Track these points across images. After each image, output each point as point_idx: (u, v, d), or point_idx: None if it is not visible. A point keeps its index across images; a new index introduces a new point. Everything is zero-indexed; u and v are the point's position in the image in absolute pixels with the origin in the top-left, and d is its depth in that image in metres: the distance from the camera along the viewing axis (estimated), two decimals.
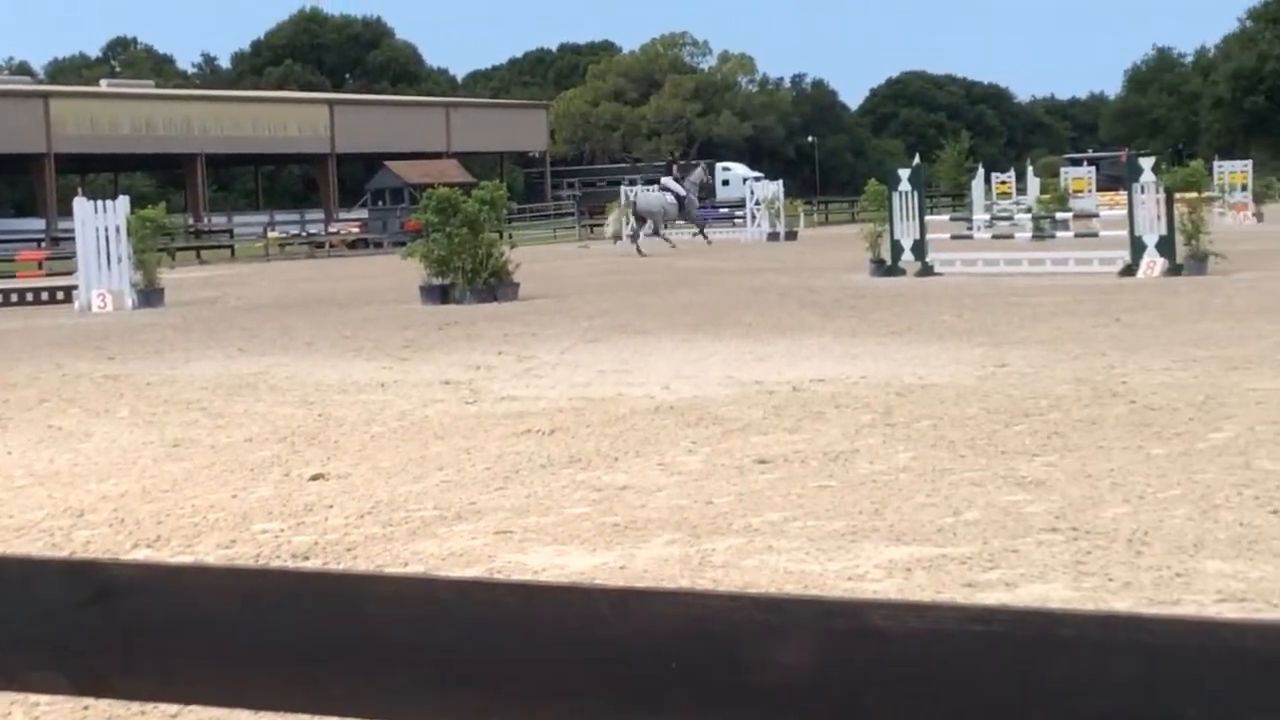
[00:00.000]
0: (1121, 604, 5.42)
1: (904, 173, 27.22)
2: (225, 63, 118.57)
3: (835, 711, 1.37)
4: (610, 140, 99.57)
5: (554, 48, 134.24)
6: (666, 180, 43.46)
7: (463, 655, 1.44)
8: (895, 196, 26.73)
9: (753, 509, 7.27)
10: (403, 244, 31.78)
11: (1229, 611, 5.27)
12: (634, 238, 40.11)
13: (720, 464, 8.54)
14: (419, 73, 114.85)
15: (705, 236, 43.18)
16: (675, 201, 42.08)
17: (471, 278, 23.07)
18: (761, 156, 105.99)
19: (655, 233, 41.71)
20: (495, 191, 24.42)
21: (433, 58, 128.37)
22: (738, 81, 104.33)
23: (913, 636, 1.34)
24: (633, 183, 58.72)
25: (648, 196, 43.34)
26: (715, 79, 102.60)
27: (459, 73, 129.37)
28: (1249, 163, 50.79)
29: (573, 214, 67.60)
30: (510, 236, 37.77)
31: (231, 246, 59.44)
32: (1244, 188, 46.83)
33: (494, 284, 23.22)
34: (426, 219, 23.95)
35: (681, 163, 48.03)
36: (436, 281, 23.31)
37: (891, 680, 1.35)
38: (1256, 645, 1.28)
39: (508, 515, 7.38)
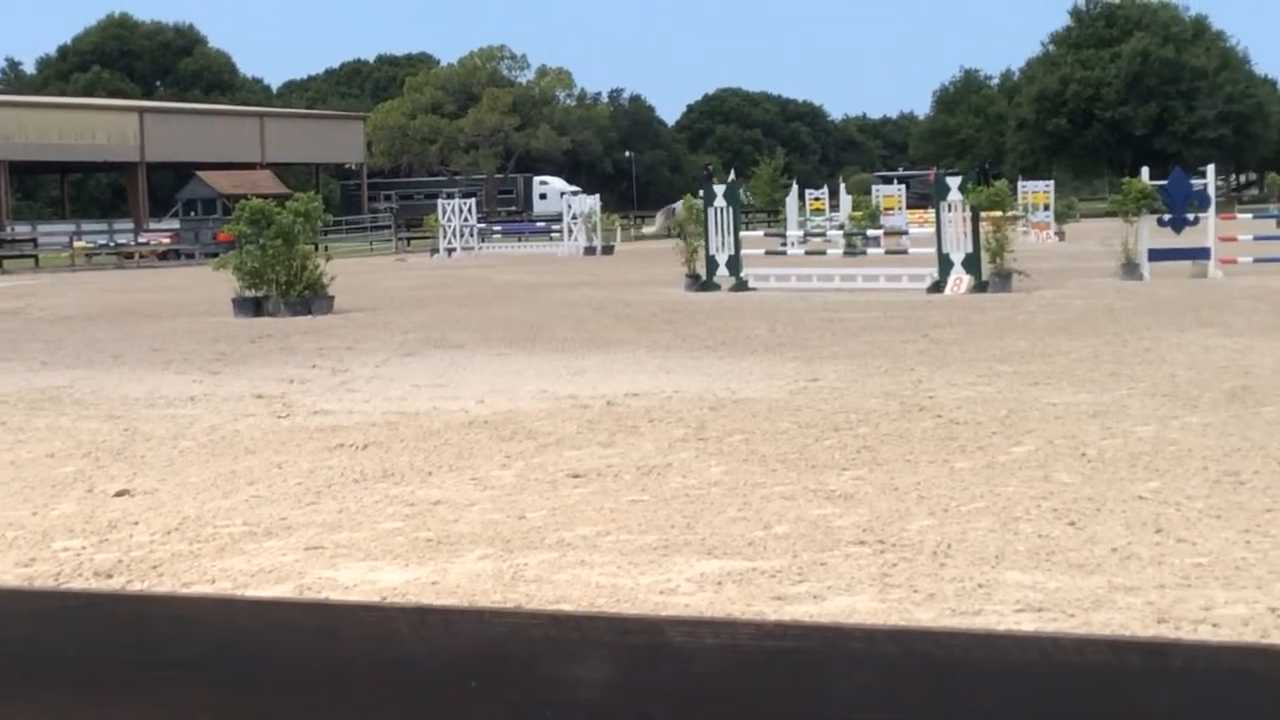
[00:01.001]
0: (925, 615, 5.53)
1: (719, 188, 27.48)
2: (30, 68, 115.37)
3: None
4: (428, 153, 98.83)
5: (371, 59, 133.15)
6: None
7: (258, 675, 1.42)
8: (710, 212, 26.98)
9: (565, 523, 7.28)
10: (215, 255, 31.24)
11: (1027, 622, 5.41)
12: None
13: (534, 478, 8.53)
14: (233, 81, 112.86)
15: None
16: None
17: (285, 290, 22.75)
18: (579, 171, 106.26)
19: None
20: (310, 203, 24.11)
21: (247, 67, 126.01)
22: (556, 96, 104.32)
23: (709, 653, 1.36)
24: (450, 195, 58.47)
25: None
26: (533, 93, 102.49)
27: (274, 82, 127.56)
28: (1051, 183, 52.27)
29: (390, 227, 67.00)
30: (326, 249, 37.33)
31: (35, 256, 57.79)
32: (1046, 207, 48.15)
33: (308, 297, 22.92)
34: (239, 230, 23.56)
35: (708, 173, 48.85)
36: (249, 294, 22.94)
37: (688, 696, 1.36)
38: (1038, 658, 1.32)
39: (319, 531, 7.29)
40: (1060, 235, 46.95)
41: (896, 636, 1.34)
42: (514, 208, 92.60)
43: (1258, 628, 5.24)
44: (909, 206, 52.36)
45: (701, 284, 26.48)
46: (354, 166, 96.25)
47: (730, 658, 1.34)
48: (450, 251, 49.50)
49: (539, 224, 62.54)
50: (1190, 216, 25.60)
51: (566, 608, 5.23)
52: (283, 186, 54.47)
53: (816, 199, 55.76)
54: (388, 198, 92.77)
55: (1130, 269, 25.09)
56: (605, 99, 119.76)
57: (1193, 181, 26.36)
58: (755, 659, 1.34)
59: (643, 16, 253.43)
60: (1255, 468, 8.12)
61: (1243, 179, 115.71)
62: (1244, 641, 1.72)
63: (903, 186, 58.78)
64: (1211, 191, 26.54)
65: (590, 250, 48.11)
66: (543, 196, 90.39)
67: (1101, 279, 25.21)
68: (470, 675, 1.37)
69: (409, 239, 62.19)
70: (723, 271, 26.57)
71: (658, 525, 7.17)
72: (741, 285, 26.08)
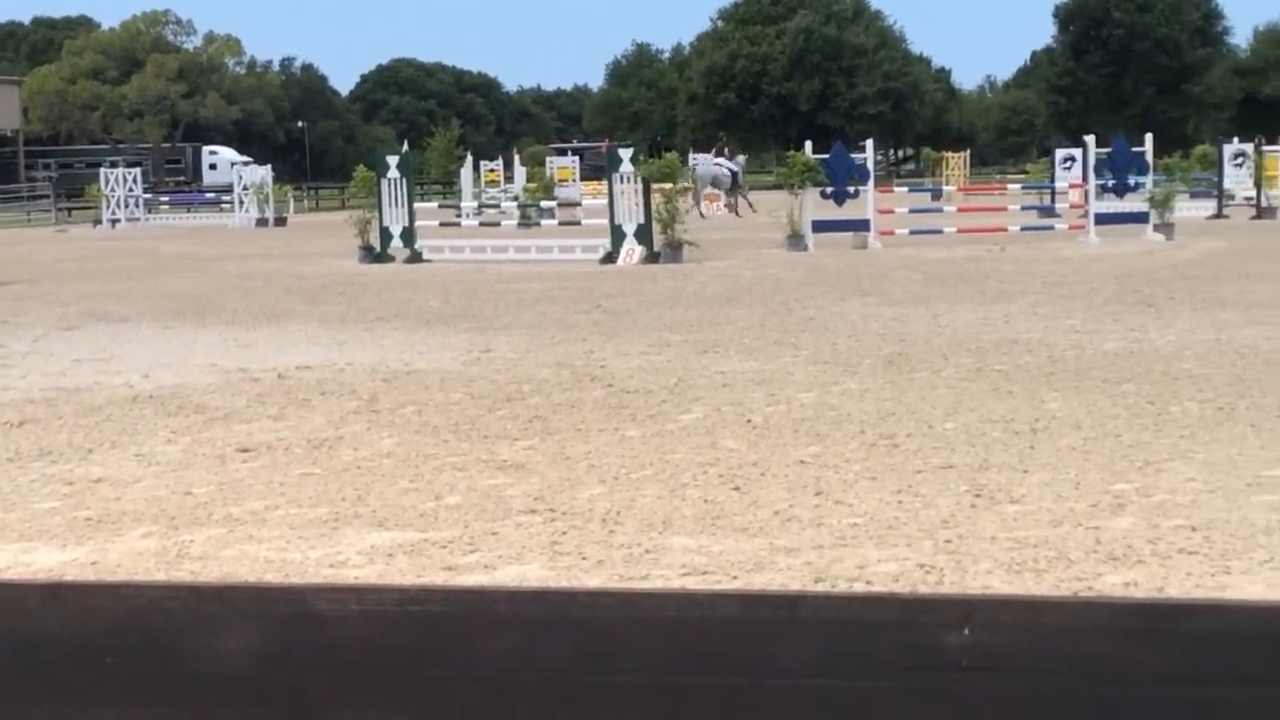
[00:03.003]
0: (594, 581, 5.62)
1: (392, 159, 27.23)
2: None
3: (279, 697, 1.37)
4: (89, 120, 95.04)
5: (27, 21, 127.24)
6: (719, 159, 47.70)
7: None
8: (384, 183, 26.72)
9: (234, 498, 7.14)
10: None
11: (692, 584, 5.54)
12: (730, 207, 43.91)
13: (201, 453, 8.34)
14: None
15: (750, 205, 44.23)
16: (729, 174, 46.07)
17: None
18: (250, 141, 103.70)
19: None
20: None
21: None
22: (225, 63, 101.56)
23: (354, 619, 1.36)
24: (114, 164, 56.39)
25: (707, 167, 46.62)
26: (201, 60, 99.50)
27: None
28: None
29: (49, 197, 64.25)
30: None
31: None
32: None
33: None
34: None
35: (722, 145, 51.09)
36: None
37: (335, 663, 1.36)
38: (675, 614, 1.37)
39: None
40: (730, 207, 47.98)
41: (539, 597, 1.36)
42: (183, 178, 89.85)
43: (907, 583, 5.49)
44: (583, 178, 52.76)
45: (376, 256, 26.21)
46: (9, 134, 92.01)
47: (376, 623, 1.35)
48: (114, 223, 47.92)
49: (209, 195, 60.86)
50: (851, 190, 26.54)
51: (207, 579, 5.15)
52: None
53: (491, 170, 55.70)
54: (46, 166, 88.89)
55: (796, 240, 25.85)
56: (276, 67, 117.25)
57: (853, 156, 27.30)
58: (401, 624, 1.35)
59: None
60: (909, 431, 8.49)
61: (901, 154, 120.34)
62: (868, 591, 1.81)
63: (577, 158, 59.21)
64: (871, 166, 27.52)
65: (262, 222, 47.11)
66: (213, 167, 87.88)
67: (769, 250, 25.90)
68: (107, 650, 1.34)
69: (70, 210, 59.71)
70: (397, 243, 26.35)
71: (328, 498, 7.10)
72: (416, 257, 25.92)
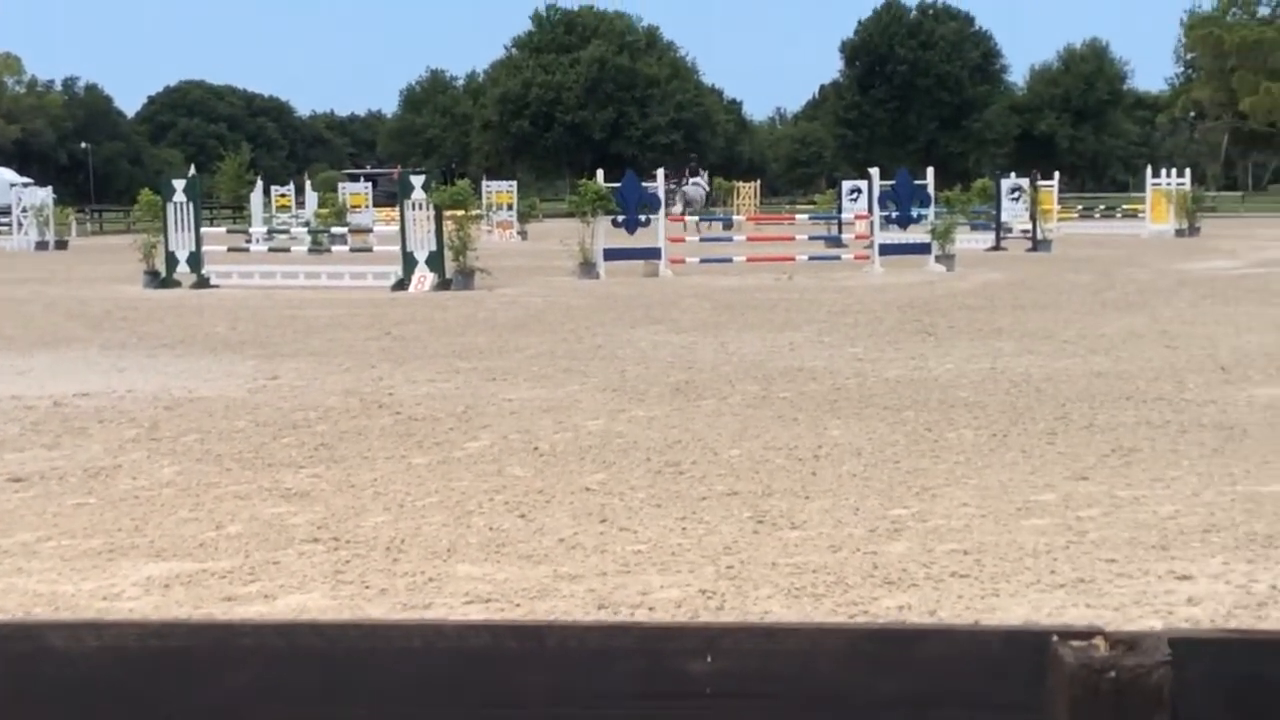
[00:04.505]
0: (377, 610, 5.58)
1: (179, 184, 26.71)
2: None
3: None
4: None
5: None
6: (695, 179, 50.83)
7: None
8: (170, 207, 26.20)
9: (3, 530, 6.93)
10: None
11: (475, 612, 5.53)
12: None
13: None
14: None
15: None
16: (704, 194, 50.85)
17: None
18: (31, 161, 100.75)
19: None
20: None
21: None
22: (4, 82, 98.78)
23: (92, 655, 1.34)
24: None
25: (692, 189, 49.39)
26: None
27: None
28: (514, 183, 53.42)
29: None
30: None
31: None
32: (510, 207, 49.16)
33: None
34: None
35: (695, 166, 53.54)
36: None
37: (71, 700, 1.34)
38: (421, 645, 1.37)
39: None
40: (523, 234, 48.04)
41: (283, 630, 1.36)
42: None
43: (689, 609, 5.55)
44: (376, 204, 52.28)
45: (161, 281, 25.67)
46: None
47: (114, 659, 1.33)
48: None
49: None
50: (642, 218, 26.76)
51: None
52: None
53: (283, 196, 54.91)
54: None
55: (588, 268, 25.97)
56: (59, 87, 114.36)
57: (645, 185, 27.53)
58: (141, 659, 1.33)
59: (99, 3, 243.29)
60: (694, 458, 8.59)
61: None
62: (611, 621, 1.83)
63: (370, 184, 58.63)
64: (661, 194, 27.78)
65: (42, 245, 45.75)
66: None
67: (561, 277, 25.98)
68: None
69: None
70: (183, 268, 25.85)
71: (104, 529, 6.93)
72: (203, 282, 25.45)
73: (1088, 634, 1.36)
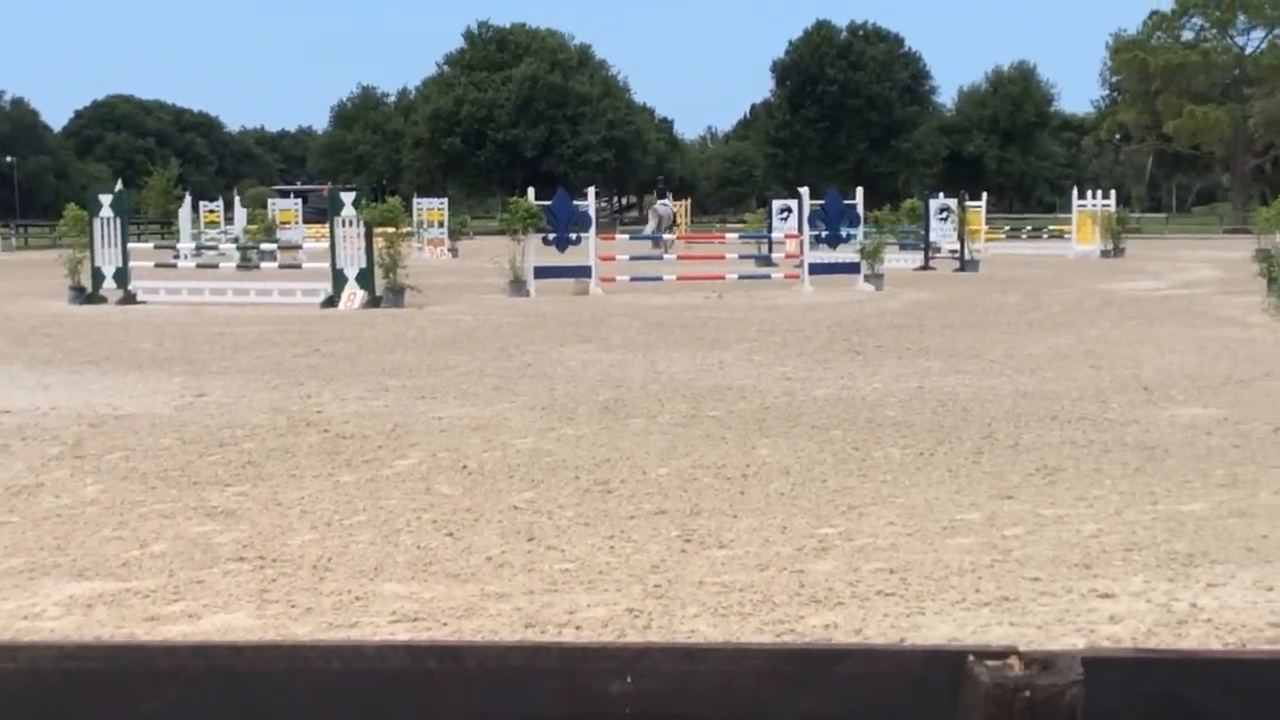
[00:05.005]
0: (302, 629, 5.54)
1: (106, 199, 26.47)
2: None
3: None
4: None
5: None
6: (664, 200, 55.07)
7: None
8: (97, 222, 25.97)
9: None
10: None
11: (402, 631, 5.51)
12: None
13: None
14: None
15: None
16: (671, 213, 54.05)
17: None
18: None
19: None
20: None
21: None
22: None
23: (9, 678, 1.33)
24: None
25: (663, 209, 52.84)
26: None
27: None
28: (446, 200, 53.29)
29: None
30: None
31: None
32: (441, 224, 49.06)
33: None
34: None
35: (661, 188, 59.75)
36: None
37: None
38: (340, 666, 1.37)
39: None
40: (454, 252, 47.94)
41: (201, 652, 1.35)
42: None
43: (616, 628, 5.55)
44: (306, 221, 52.00)
45: (87, 297, 25.42)
46: None
47: (30, 681, 1.32)
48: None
49: None
50: (573, 236, 26.77)
51: None
52: None
53: (211, 211, 54.52)
54: None
55: (518, 286, 25.95)
56: None
57: (576, 203, 27.55)
58: (56, 682, 1.32)
59: (25, 14, 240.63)
60: (622, 477, 8.59)
61: (624, 201, 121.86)
62: (531, 641, 1.84)
63: (300, 201, 58.31)
64: (592, 212, 27.80)
65: None
66: None
67: (491, 295, 25.95)
68: None
69: None
70: (110, 284, 25.62)
71: (25, 548, 6.85)
72: (130, 298, 25.24)
73: (1003, 654, 1.38)
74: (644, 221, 73.49)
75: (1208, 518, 7.42)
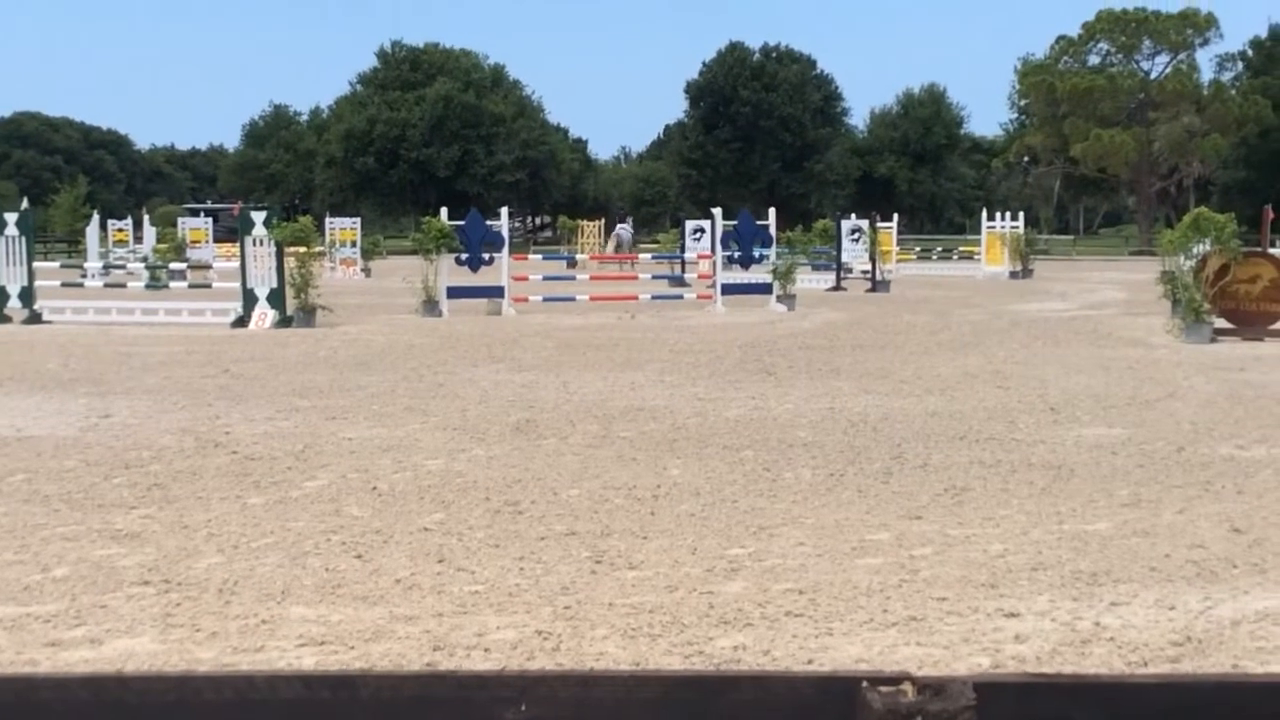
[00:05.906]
0: (207, 654, 5.48)
1: (11, 217, 26.10)
2: None
3: None
4: None
5: None
6: (624, 224, 59.70)
7: None
8: (1, 241, 25.60)
9: None
10: None
11: (308, 655, 5.46)
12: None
13: None
14: None
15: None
16: (631, 236, 57.57)
17: None
18: None
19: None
20: None
21: None
22: None
23: None
24: None
25: (624, 232, 56.37)
26: None
27: None
28: (359, 220, 53.04)
29: None
30: None
31: None
32: (354, 244, 48.82)
33: None
34: None
35: (622, 213, 64.76)
36: None
37: None
38: (234, 696, 1.36)
39: None
40: (367, 272, 47.73)
41: (90, 684, 1.34)
42: None
43: (525, 650, 5.53)
44: (217, 240, 51.56)
45: None
46: None
47: None
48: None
49: None
50: (486, 256, 26.72)
51: None
52: None
53: (120, 230, 53.93)
54: None
55: (431, 306, 25.86)
56: None
57: (490, 223, 27.50)
58: None
59: None
60: (533, 498, 8.57)
61: (538, 221, 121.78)
62: (425, 670, 1.82)
63: (211, 219, 57.79)
64: (505, 232, 27.77)
65: None
66: None
67: (404, 315, 25.84)
68: None
69: None
70: (15, 304, 25.26)
71: None
72: (35, 318, 24.90)
73: (895, 679, 1.39)
74: (559, 242, 74.17)
75: (1112, 537, 7.51)
